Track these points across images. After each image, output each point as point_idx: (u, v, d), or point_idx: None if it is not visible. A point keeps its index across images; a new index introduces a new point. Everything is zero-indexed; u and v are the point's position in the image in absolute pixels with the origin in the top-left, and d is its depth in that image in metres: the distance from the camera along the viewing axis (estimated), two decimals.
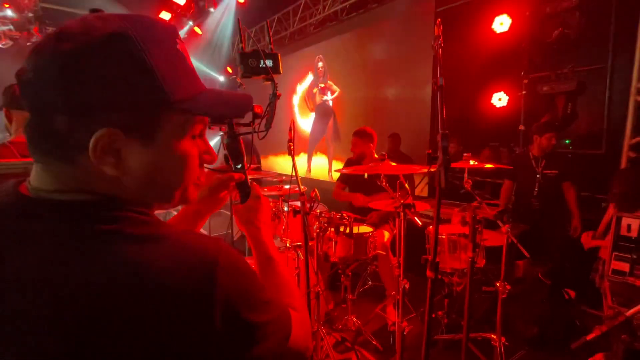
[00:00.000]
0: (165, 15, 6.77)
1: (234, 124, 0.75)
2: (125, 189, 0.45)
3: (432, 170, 1.07)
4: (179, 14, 6.57)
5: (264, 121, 0.78)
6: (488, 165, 2.03)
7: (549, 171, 2.89)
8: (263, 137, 0.77)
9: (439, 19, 1.25)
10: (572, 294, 2.61)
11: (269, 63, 0.78)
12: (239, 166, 0.77)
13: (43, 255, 0.38)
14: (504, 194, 3.20)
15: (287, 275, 0.68)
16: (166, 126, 0.45)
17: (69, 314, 0.36)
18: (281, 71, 0.79)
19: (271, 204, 2.29)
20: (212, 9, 6.04)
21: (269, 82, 0.80)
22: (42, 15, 6.09)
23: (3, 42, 6.12)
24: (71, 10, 7.01)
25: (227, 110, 0.52)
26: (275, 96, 0.78)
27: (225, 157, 0.77)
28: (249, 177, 0.78)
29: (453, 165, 1.93)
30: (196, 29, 6.71)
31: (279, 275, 0.67)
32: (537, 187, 2.93)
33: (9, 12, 5.68)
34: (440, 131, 1.06)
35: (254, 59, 0.77)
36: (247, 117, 0.72)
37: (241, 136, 0.76)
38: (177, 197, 0.51)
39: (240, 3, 5.56)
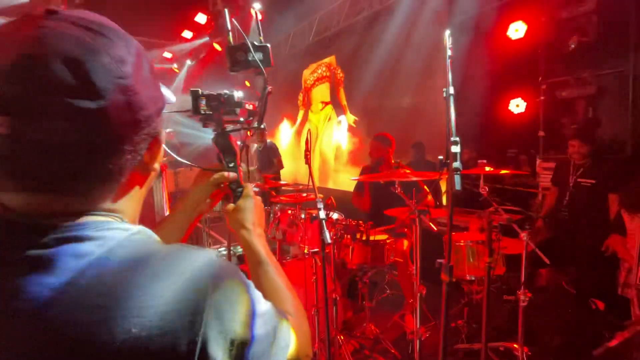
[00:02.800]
0: (187, 34, 7.12)
1: (222, 121, 0.73)
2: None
3: (444, 176, 1.11)
4: (200, 32, 6.89)
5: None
6: (503, 171, 2.02)
7: (584, 180, 2.73)
8: (253, 134, 0.77)
9: (448, 31, 1.29)
10: (601, 305, 2.51)
11: (258, 56, 0.73)
12: (231, 165, 0.74)
13: None
14: (548, 201, 3.09)
15: (282, 280, 0.65)
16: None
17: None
18: (272, 63, 0.75)
19: (289, 212, 2.36)
20: (229, 27, 6.30)
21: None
22: None
23: None
24: None
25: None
26: (266, 90, 0.75)
27: (218, 156, 0.74)
28: (256, 183, 0.77)
29: (467, 172, 1.95)
30: (216, 45, 7.00)
31: (273, 279, 0.64)
32: (569, 197, 2.80)
33: None
34: (450, 138, 1.10)
35: (243, 52, 0.73)
36: (241, 114, 0.75)
37: (239, 135, 0.75)
38: None
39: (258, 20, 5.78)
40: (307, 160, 1.72)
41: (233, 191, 0.74)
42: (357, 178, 2.29)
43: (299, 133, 7.55)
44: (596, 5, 3.20)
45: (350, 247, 2.12)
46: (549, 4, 3.62)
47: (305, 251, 2.06)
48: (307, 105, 7.27)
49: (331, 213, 2.06)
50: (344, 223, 2.13)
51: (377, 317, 2.62)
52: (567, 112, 3.61)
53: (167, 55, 8.22)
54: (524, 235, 1.81)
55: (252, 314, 0.44)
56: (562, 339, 2.21)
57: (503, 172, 2.01)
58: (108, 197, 0.44)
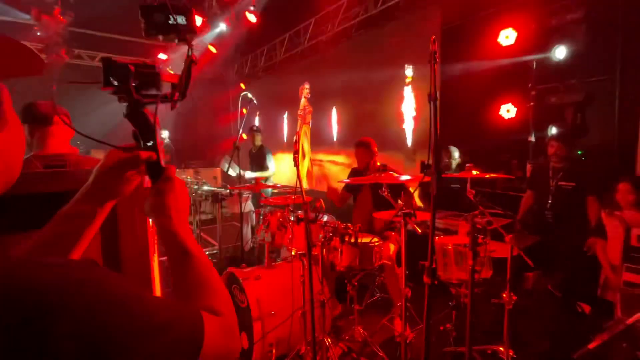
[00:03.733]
0: None
1: (133, 93, 0.62)
2: None
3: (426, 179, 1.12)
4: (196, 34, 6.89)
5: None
6: (489, 175, 2.05)
7: (565, 183, 2.80)
8: (174, 108, 0.66)
9: (433, 36, 1.32)
10: (587, 308, 2.54)
11: (180, 20, 0.64)
12: (149, 144, 0.64)
13: None
14: (523, 204, 3.15)
15: (208, 273, 0.58)
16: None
17: None
18: (197, 30, 0.67)
19: (278, 214, 2.36)
20: (225, 28, 6.32)
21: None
22: (70, 39, 6.51)
23: None
24: (98, 34, 7.47)
25: None
26: (190, 60, 0.66)
27: (133, 133, 0.65)
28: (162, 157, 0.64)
29: (452, 175, 1.97)
30: (211, 47, 7.00)
31: (198, 273, 0.57)
32: (551, 199, 2.86)
33: (39, 35, 6.10)
34: (432, 142, 1.12)
35: (162, 14, 0.64)
36: (163, 87, 0.65)
37: (157, 109, 0.63)
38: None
39: (252, 22, 5.80)
40: (296, 163, 1.73)
41: (152, 174, 0.65)
42: (344, 180, 2.30)
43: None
44: (585, 13, 3.27)
45: (339, 249, 2.13)
46: (538, 12, 3.68)
47: (293, 253, 2.06)
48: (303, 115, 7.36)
49: (320, 215, 2.06)
50: (332, 225, 2.13)
51: (366, 320, 2.62)
52: (556, 118, 3.67)
53: (162, 56, 8.20)
54: (509, 238, 1.83)
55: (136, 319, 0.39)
56: (548, 342, 2.23)
57: (489, 176, 2.03)
58: None
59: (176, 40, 0.66)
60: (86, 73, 7.76)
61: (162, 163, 0.65)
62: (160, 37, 0.67)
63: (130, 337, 0.38)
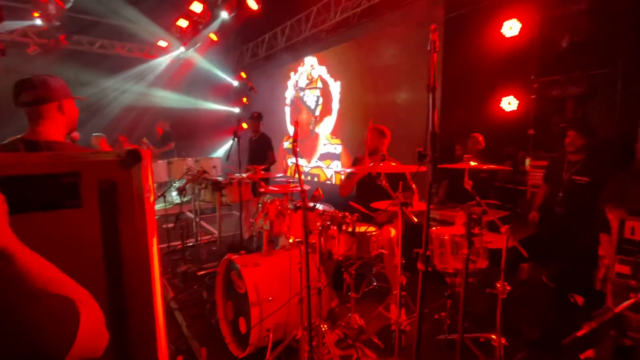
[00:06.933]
0: (182, 23, 7.05)
1: None
2: None
3: (422, 168, 1.13)
4: (196, 21, 6.81)
5: None
6: (487, 167, 2.06)
7: (579, 178, 2.71)
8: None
9: (434, 25, 1.31)
10: (580, 300, 2.58)
11: None
12: None
13: None
14: (538, 196, 3.11)
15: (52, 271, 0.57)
16: None
17: None
18: None
19: (276, 202, 2.38)
20: (226, 16, 6.23)
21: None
22: (69, 24, 6.44)
23: (32, 50, 6.48)
24: (97, 19, 7.38)
25: None
26: None
27: None
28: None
29: (450, 166, 1.98)
30: (212, 35, 6.93)
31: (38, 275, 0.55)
32: (562, 193, 2.79)
33: (38, 21, 6.03)
34: (430, 130, 1.12)
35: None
36: None
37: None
38: None
39: (254, 10, 5.73)
40: (294, 151, 1.74)
41: None
42: (345, 169, 2.31)
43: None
44: (588, 5, 3.23)
45: (337, 238, 2.15)
46: (543, 3, 3.64)
47: (291, 240, 2.08)
48: None
49: (318, 204, 2.08)
50: (330, 214, 2.15)
51: (362, 308, 2.67)
52: (557, 111, 3.66)
53: (162, 44, 8.12)
54: (504, 229, 1.85)
55: None
56: (540, 331, 2.28)
57: (486, 167, 2.04)
58: None
59: None
60: (84, 59, 7.70)
61: None
62: None
63: None
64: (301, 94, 7.34)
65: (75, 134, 1.58)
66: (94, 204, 0.88)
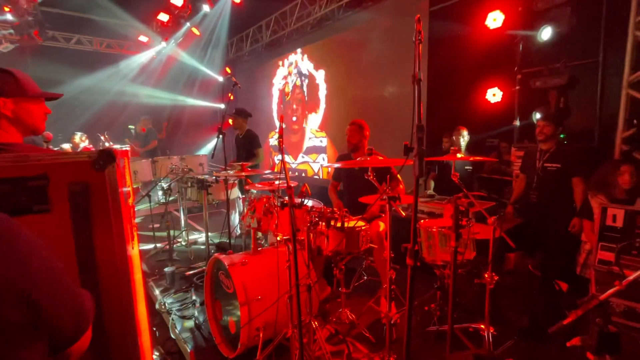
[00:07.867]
0: (163, 17, 6.85)
1: None
2: None
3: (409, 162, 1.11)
4: (177, 15, 6.63)
5: None
6: (474, 158, 2.06)
7: (550, 165, 2.85)
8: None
9: (418, 15, 1.29)
10: (564, 286, 2.64)
11: None
12: None
13: None
14: (516, 188, 3.21)
15: None
16: None
17: None
18: None
19: (264, 199, 2.34)
20: (208, 9, 6.08)
21: None
22: (42, 19, 6.16)
23: (3, 47, 6.20)
24: (70, 14, 7.10)
25: None
26: None
27: None
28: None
29: (435, 158, 1.98)
30: (194, 29, 6.77)
31: None
32: (536, 181, 2.91)
33: (9, 16, 5.76)
34: (416, 123, 1.10)
35: None
36: None
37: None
38: None
39: (236, 3, 5.60)
40: (280, 147, 1.70)
41: None
42: (332, 164, 2.29)
43: None
44: None
45: (325, 234, 2.13)
46: None
47: (279, 238, 2.05)
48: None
49: (306, 200, 2.05)
50: (318, 210, 2.13)
51: (353, 302, 2.67)
52: (541, 102, 3.71)
53: (143, 39, 7.89)
54: (492, 220, 1.86)
55: None
56: (527, 319, 2.32)
57: (473, 159, 2.05)
58: None
59: None
60: (61, 55, 7.42)
61: None
62: None
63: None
64: (287, 88, 7.26)
65: (48, 134, 1.50)
66: (65, 208, 0.83)
